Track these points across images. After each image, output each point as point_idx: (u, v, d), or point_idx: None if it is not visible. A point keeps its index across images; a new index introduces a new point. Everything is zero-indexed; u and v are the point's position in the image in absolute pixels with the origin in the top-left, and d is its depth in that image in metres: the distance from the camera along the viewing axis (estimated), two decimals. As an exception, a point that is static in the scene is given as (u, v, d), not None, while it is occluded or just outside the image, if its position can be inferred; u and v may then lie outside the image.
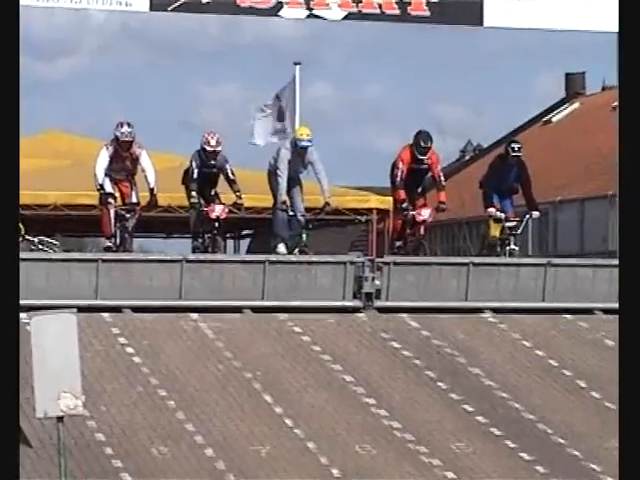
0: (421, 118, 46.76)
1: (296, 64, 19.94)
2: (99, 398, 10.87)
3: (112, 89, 59.54)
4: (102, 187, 12.70)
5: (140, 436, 10.48)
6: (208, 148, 13.47)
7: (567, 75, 28.77)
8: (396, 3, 14.67)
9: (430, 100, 51.86)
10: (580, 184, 22.50)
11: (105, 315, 12.76)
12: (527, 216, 14.66)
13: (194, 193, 13.52)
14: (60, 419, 8.43)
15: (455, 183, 23.45)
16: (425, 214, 14.24)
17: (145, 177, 12.89)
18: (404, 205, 14.08)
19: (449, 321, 13.62)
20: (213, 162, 13.66)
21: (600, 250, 17.24)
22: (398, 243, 14.60)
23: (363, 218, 20.46)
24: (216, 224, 13.73)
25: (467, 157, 30.07)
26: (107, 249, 13.66)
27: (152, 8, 14.20)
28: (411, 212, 14.08)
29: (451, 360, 12.83)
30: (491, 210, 14.38)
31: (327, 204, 14.17)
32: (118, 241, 13.47)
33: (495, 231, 14.66)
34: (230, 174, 13.79)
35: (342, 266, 13.83)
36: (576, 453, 10.79)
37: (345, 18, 14.81)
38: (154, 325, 12.78)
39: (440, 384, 12.25)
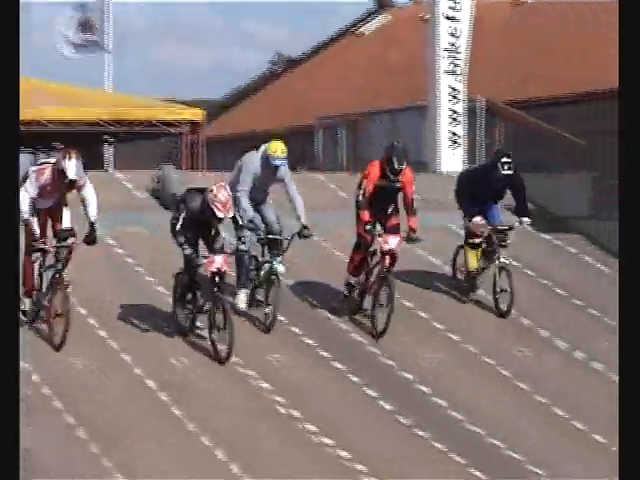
0: (232, 34, 49.70)
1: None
2: None
3: None
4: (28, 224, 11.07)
5: None
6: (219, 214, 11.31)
7: (375, -13, 29.95)
8: None
9: (242, 17, 53.18)
10: (391, 95, 22.36)
11: None
12: (517, 224, 13.35)
13: None
14: None
15: (268, 93, 26.44)
16: (392, 243, 12.33)
17: (85, 207, 11.38)
18: (367, 227, 12.32)
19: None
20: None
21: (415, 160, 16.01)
22: (354, 279, 12.71)
23: (175, 130, 21.07)
24: None
25: (278, 69, 30.13)
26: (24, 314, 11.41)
27: None
28: (377, 237, 12.36)
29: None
30: (477, 219, 13.09)
31: (305, 227, 12.37)
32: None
33: (473, 261, 13.24)
34: None
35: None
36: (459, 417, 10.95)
37: None
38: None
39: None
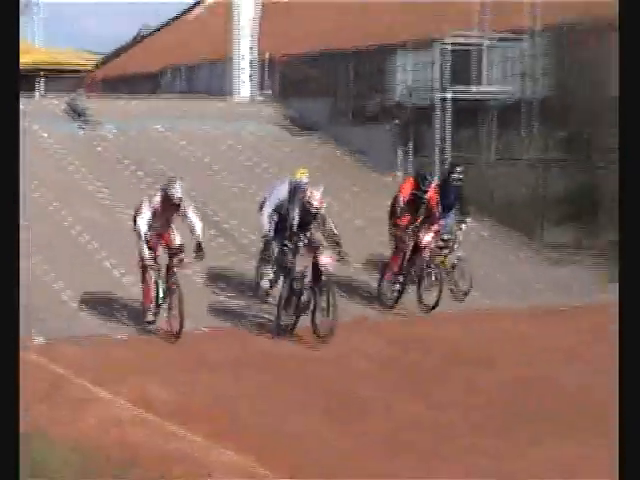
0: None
1: None
2: None
3: None
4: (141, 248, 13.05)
5: None
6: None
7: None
8: None
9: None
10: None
11: None
12: (462, 226, 15.81)
13: None
14: None
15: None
16: (427, 237, 14.75)
17: (191, 229, 13.12)
18: (408, 230, 14.73)
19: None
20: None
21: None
22: (400, 279, 14.96)
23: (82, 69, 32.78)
24: None
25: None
26: (149, 323, 13.50)
27: None
28: (414, 237, 14.73)
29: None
30: (435, 227, 15.06)
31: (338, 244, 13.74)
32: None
33: (445, 260, 15.55)
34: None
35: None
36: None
37: None
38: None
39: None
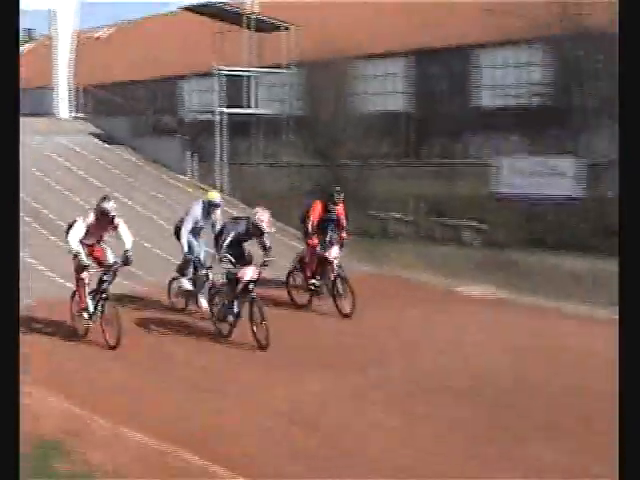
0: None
1: None
2: None
3: None
4: (77, 256, 13.13)
5: None
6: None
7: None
8: None
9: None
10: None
11: None
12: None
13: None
14: None
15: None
16: (334, 252, 15.61)
17: (124, 242, 13.34)
18: (318, 249, 15.66)
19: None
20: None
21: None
22: (316, 281, 15.79)
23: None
24: None
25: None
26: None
27: None
28: (324, 254, 15.62)
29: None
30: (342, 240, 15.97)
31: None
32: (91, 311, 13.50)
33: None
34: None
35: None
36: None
37: None
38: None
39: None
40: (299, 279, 16.13)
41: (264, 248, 13.52)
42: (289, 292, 16.09)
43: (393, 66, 28.91)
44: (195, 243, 15.10)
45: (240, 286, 13.23)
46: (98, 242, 13.53)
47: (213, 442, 9.36)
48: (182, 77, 32.90)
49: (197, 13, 28.99)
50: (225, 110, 26.80)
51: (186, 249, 14.87)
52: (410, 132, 27.75)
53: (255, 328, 13.09)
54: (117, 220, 13.27)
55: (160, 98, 32.49)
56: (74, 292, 13.64)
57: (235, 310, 13.38)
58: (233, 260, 13.25)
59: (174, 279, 15.43)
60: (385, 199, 22.94)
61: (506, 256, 19.67)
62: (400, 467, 8.78)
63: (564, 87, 22.79)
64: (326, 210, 15.66)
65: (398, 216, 22.63)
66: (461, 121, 26.53)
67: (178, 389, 11.23)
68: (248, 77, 28.65)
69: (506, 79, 26.33)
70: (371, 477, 8.54)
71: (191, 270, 15.15)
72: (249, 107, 28.47)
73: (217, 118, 26.62)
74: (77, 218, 13.37)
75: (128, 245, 13.19)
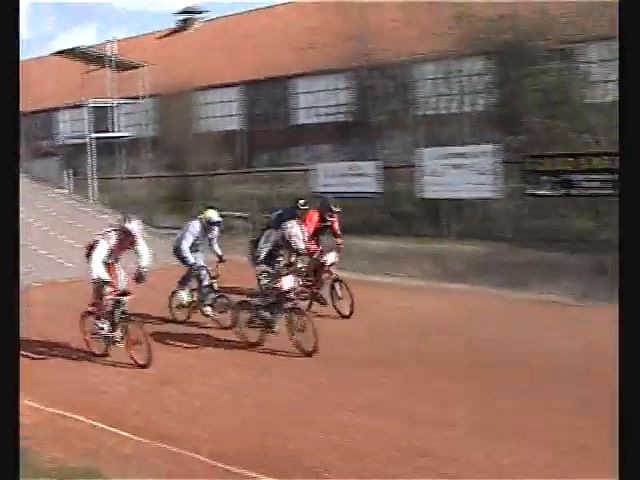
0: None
1: None
2: None
3: None
4: (99, 278, 12.52)
5: None
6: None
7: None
8: None
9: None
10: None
11: None
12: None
13: None
14: None
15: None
16: (331, 257, 15.72)
17: (139, 259, 12.87)
18: (315, 256, 15.58)
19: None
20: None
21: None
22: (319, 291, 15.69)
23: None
24: None
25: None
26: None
27: None
28: (321, 259, 15.63)
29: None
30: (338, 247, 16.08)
31: (222, 259, 15.13)
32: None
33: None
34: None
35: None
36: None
37: None
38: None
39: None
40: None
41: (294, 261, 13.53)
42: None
43: (229, 94, 36.15)
44: (194, 257, 15.16)
45: (278, 296, 13.19)
46: (117, 260, 13.02)
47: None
48: (56, 109, 38.80)
49: (67, 57, 33.79)
50: (93, 135, 31.87)
51: (191, 262, 14.97)
52: (244, 146, 34.54)
53: (297, 336, 12.98)
54: (138, 239, 12.84)
55: (40, 127, 38.42)
56: (86, 312, 13.18)
57: (268, 318, 13.34)
58: (272, 271, 13.45)
59: (174, 292, 15.49)
60: (228, 201, 26.03)
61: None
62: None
63: (363, 107, 28.55)
64: (322, 220, 15.97)
65: (238, 214, 25.38)
66: (284, 136, 33.25)
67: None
68: (111, 107, 33.99)
69: (318, 101, 33.04)
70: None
71: (193, 282, 15.32)
72: (113, 131, 33.84)
73: (87, 141, 31.54)
74: (98, 239, 12.82)
75: (144, 263, 12.84)
